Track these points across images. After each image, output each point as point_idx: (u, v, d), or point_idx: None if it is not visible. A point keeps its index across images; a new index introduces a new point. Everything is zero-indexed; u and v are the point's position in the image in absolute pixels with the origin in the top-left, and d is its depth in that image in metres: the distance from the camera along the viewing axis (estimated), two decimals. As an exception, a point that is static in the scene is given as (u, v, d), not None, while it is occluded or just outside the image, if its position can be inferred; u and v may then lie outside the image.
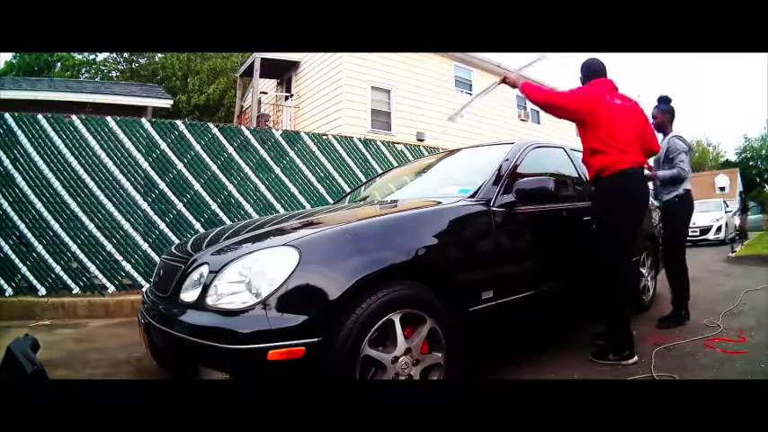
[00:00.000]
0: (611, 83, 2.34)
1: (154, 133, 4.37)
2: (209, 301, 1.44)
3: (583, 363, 2.22)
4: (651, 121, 3.08)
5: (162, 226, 4.30)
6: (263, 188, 4.80)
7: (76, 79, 15.25)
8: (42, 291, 3.84)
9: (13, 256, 3.82)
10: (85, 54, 18.98)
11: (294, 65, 11.03)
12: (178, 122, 4.57)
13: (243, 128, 4.95)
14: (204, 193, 4.52)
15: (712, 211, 10.94)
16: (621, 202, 2.19)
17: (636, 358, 2.18)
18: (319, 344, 1.36)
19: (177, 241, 3.96)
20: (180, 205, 4.40)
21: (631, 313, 2.38)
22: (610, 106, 2.22)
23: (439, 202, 1.94)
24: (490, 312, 1.81)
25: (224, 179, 4.62)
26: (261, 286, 1.39)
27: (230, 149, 4.68)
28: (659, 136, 3.11)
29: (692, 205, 3.04)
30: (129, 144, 4.25)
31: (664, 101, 3.08)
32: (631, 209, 2.23)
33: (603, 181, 2.23)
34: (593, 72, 2.36)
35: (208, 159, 4.56)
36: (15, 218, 3.84)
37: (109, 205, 4.13)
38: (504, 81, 2.47)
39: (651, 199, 3.07)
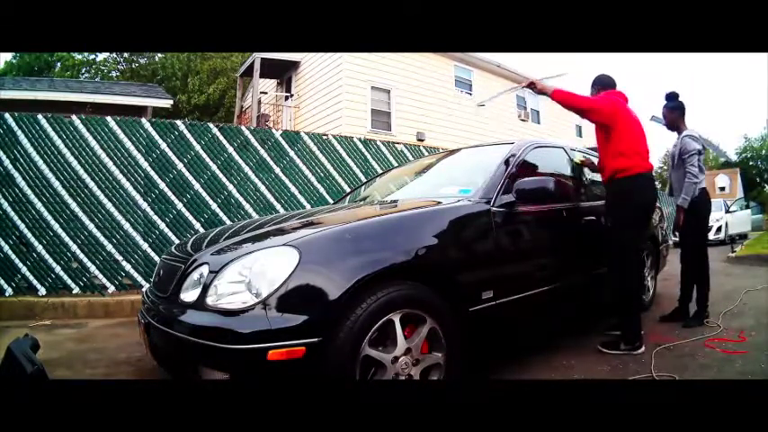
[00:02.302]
0: (625, 95, 2.51)
1: (154, 133, 4.37)
2: (209, 301, 1.44)
3: (583, 362, 2.22)
4: (663, 121, 3.04)
5: (162, 226, 4.30)
6: (263, 188, 4.80)
7: (76, 79, 15.25)
8: (42, 291, 3.83)
9: (13, 256, 3.81)
10: (85, 54, 18.98)
11: (294, 65, 11.03)
12: (178, 122, 4.56)
13: (243, 128, 4.95)
14: (204, 193, 4.51)
15: (712, 211, 10.92)
16: (636, 202, 2.40)
17: (644, 348, 2.31)
18: (319, 344, 1.36)
19: (177, 241, 3.96)
20: (180, 205, 4.40)
21: (639, 305, 2.61)
22: (632, 115, 2.45)
23: (439, 202, 1.94)
24: (490, 312, 1.81)
25: (224, 179, 4.62)
26: (261, 286, 1.39)
27: (230, 149, 4.68)
28: (674, 135, 3.03)
29: (708, 204, 3.01)
30: (129, 144, 4.24)
31: (671, 98, 2.97)
32: (643, 208, 2.47)
33: (620, 182, 2.40)
34: (606, 84, 2.54)
35: (208, 159, 4.56)
36: (15, 218, 3.84)
37: (109, 205, 4.12)
38: (530, 86, 2.52)
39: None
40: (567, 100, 2.37)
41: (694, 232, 2.99)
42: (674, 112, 2.96)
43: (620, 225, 2.40)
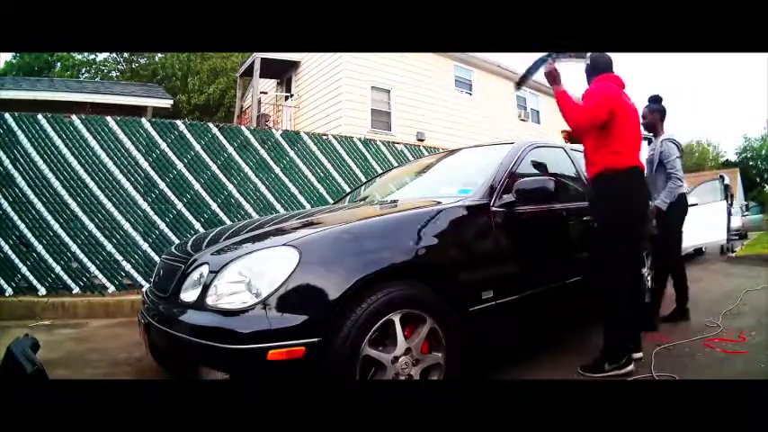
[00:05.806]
0: (621, 80, 2.22)
1: (154, 133, 4.37)
2: (209, 300, 1.44)
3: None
4: (642, 121, 3.05)
5: (162, 226, 4.30)
6: (263, 188, 4.80)
7: (76, 79, 15.22)
8: (42, 291, 3.83)
9: (13, 256, 3.81)
10: (85, 54, 18.96)
11: (294, 65, 11.02)
12: (178, 122, 4.56)
13: (243, 128, 4.95)
14: (204, 193, 4.51)
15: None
16: (629, 201, 2.10)
17: (632, 367, 2.04)
18: (319, 344, 1.36)
19: (177, 241, 3.96)
20: (180, 205, 4.40)
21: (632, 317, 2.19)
22: (628, 105, 2.16)
23: (439, 202, 1.94)
24: (490, 312, 1.81)
25: (224, 179, 4.62)
26: (261, 286, 1.39)
27: (230, 149, 4.68)
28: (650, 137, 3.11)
29: (685, 208, 3.04)
30: (129, 144, 4.25)
31: (654, 100, 3.07)
32: (638, 206, 2.16)
33: (612, 177, 2.09)
34: (602, 68, 2.24)
35: (208, 159, 4.56)
36: (15, 218, 3.84)
37: (109, 205, 4.12)
38: (551, 73, 2.16)
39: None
40: (563, 108, 2.11)
41: (671, 234, 3.01)
42: (654, 114, 3.04)
43: (610, 227, 2.09)
